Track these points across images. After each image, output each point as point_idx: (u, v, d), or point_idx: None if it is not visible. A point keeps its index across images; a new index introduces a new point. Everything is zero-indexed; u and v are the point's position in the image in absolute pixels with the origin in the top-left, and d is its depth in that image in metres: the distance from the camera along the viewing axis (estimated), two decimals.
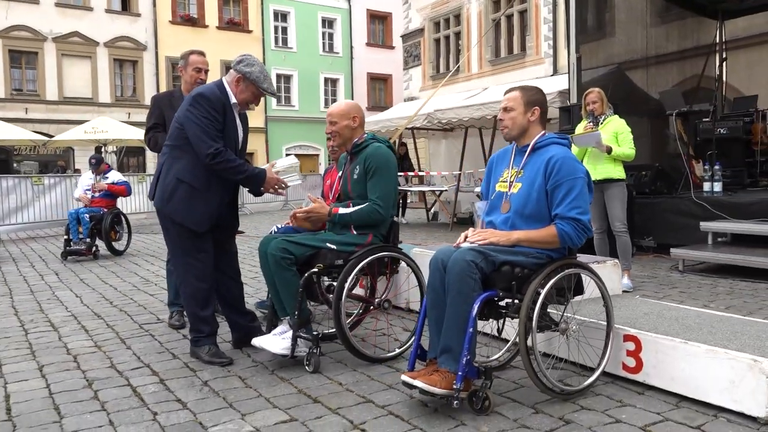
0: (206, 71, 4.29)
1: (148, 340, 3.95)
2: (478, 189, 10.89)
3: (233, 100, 3.40)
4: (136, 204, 13.95)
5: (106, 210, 8.18)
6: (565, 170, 2.78)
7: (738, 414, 2.56)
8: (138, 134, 18.63)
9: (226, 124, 3.36)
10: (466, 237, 2.87)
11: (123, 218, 8.52)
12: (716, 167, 7.17)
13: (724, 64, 9.63)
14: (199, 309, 3.45)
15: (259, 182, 3.42)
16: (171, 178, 3.36)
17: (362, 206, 3.41)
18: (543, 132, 2.99)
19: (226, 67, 27.27)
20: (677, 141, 8.15)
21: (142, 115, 25.52)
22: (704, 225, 6.47)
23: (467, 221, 12.01)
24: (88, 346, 3.85)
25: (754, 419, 2.51)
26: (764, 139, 8.53)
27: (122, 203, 8.98)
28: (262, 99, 3.61)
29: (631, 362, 2.98)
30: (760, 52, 11.00)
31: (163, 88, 26.48)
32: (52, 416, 2.73)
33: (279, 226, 4.38)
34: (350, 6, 31.15)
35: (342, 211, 3.42)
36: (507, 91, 3.02)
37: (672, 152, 8.78)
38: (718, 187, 7.12)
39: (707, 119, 8.18)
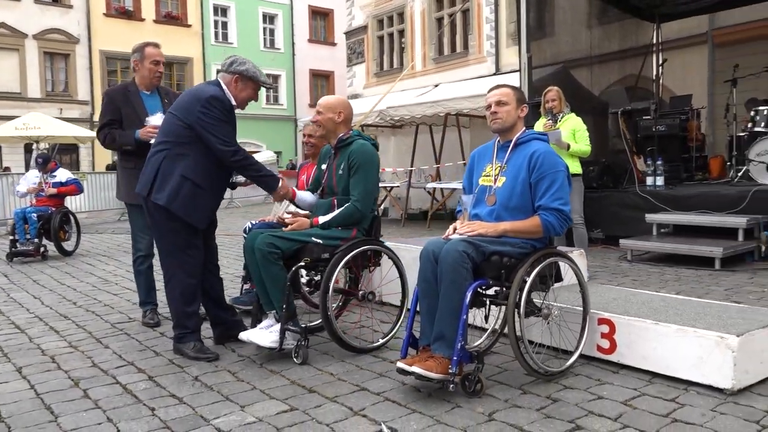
0: (163, 63, 4.26)
1: (125, 339, 3.91)
2: (429, 185, 11.11)
3: (233, 102, 3.48)
4: (77, 203, 13.46)
5: (54, 209, 7.91)
6: (548, 164, 2.96)
7: (707, 387, 2.80)
8: (72, 131, 17.94)
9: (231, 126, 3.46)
10: (455, 229, 3.02)
11: (72, 217, 8.26)
12: (658, 162, 7.60)
13: (663, 65, 10.15)
14: (186, 305, 3.45)
15: (272, 185, 3.51)
16: (176, 176, 3.37)
17: (341, 210, 3.49)
18: (523, 128, 3.16)
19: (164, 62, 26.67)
20: (621, 137, 8.57)
21: (75, 111, 24.74)
22: (649, 217, 6.87)
23: (418, 217, 12.23)
24: (63, 346, 3.78)
25: (721, 391, 2.75)
26: (698, 136, 9.10)
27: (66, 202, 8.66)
28: None
29: (606, 344, 3.19)
30: (692, 54, 11.67)
31: (97, 83, 25.63)
32: (46, 416, 2.70)
33: (253, 222, 4.42)
34: (291, 2, 30.93)
35: (322, 219, 3.49)
36: (495, 87, 3.18)
37: (615, 148, 9.22)
38: (660, 181, 7.55)
39: (648, 117, 8.64)
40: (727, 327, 2.89)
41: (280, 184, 3.54)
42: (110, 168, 20.72)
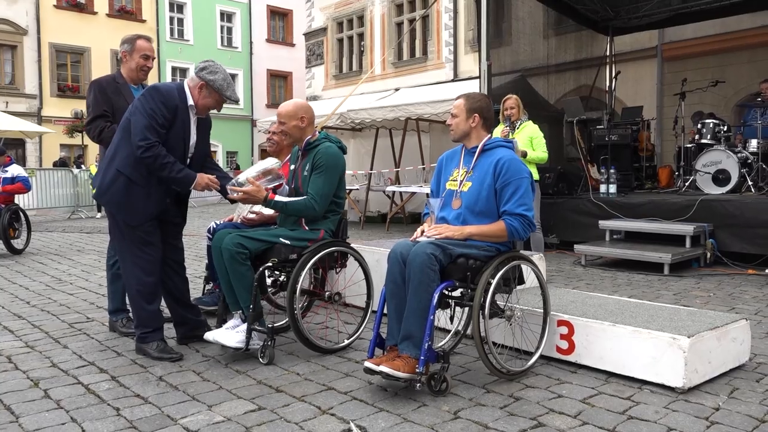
0: (153, 58, 4.07)
1: (84, 339, 3.83)
2: (389, 188, 11.19)
3: (190, 102, 3.42)
4: (25, 200, 12.99)
5: (3, 206, 7.65)
6: (513, 171, 3.05)
7: (660, 385, 2.94)
8: (19, 125, 17.33)
9: (175, 125, 3.35)
10: (422, 232, 3.08)
11: (22, 215, 8.00)
12: (611, 171, 7.86)
13: (617, 76, 10.50)
14: (146, 303, 3.42)
15: (185, 184, 3.38)
16: (113, 169, 3.35)
17: (299, 199, 3.50)
18: (489, 135, 3.26)
19: (116, 57, 26.10)
20: (576, 146, 8.83)
21: (21, 105, 23.94)
22: (602, 223, 7.11)
23: (376, 219, 12.30)
24: (18, 346, 3.68)
25: (672, 389, 2.89)
26: (648, 146, 9.45)
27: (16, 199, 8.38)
28: None
29: (564, 345, 3.31)
30: (643, 67, 12.10)
31: (45, 76, 24.85)
32: (7, 416, 2.64)
33: (218, 222, 4.39)
34: (250, 1, 30.63)
35: (278, 198, 3.47)
36: (456, 98, 3.27)
37: (570, 156, 9.49)
38: (612, 188, 7.82)
39: (601, 126, 8.93)
40: (678, 329, 3.03)
41: (196, 180, 3.39)
42: (58, 164, 20.14)
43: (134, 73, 4.01)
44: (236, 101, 3.63)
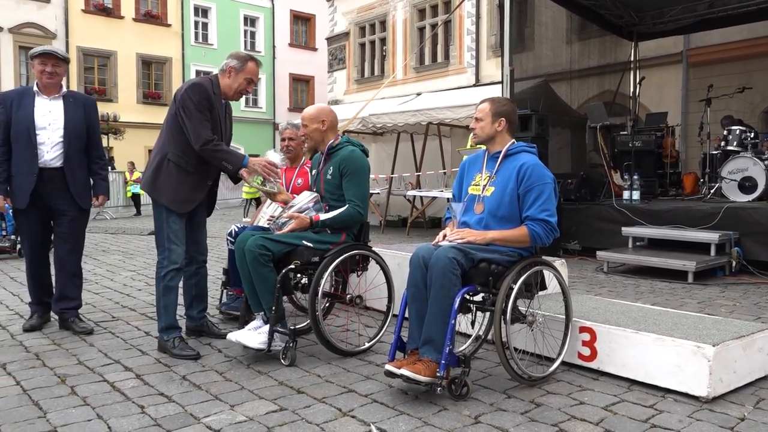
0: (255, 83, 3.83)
1: (109, 338, 3.90)
2: (409, 193, 11.20)
3: (35, 88, 4.04)
4: None
5: None
6: (536, 176, 3.05)
7: (683, 394, 2.90)
8: None
9: (16, 116, 4.01)
10: (444, 236, 3.09)
11: None
12: (635, 177, 7.79)
13: (641, 82, 10.40)
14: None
15: None
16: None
17: (342, 210, 3.54)
18: (512, 140, 3.26)
19: (142, 60, 26.56)
20: (599, 152, 8.76)
21: None
22: (626, 230, 7.04)
23: (396, 224, 12.32)
24: (46, 344, 3.76)
25: (696, 398, 2.86)
26: (673, 152, 9.34)
27: None
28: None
29: (587, 351, 3.29)
30: (668, 72, 11.97)
31: (73, 80, 25.25)
32: (35, 412, 2.70)
33: (239, 225, 4.43)
34: (273, 5, 30.91)
35: (323, 217, 3.53)
36: (480, 102, 3.28)
37: (593, 162, 9.42)
38: (636, 195, 7.74)
39: (624, 132, 8.85)
40: (703, 337, 3.00)
41: None
42: None
43: (232, 91, 3.73)
44: (49, 53, 4.02)
